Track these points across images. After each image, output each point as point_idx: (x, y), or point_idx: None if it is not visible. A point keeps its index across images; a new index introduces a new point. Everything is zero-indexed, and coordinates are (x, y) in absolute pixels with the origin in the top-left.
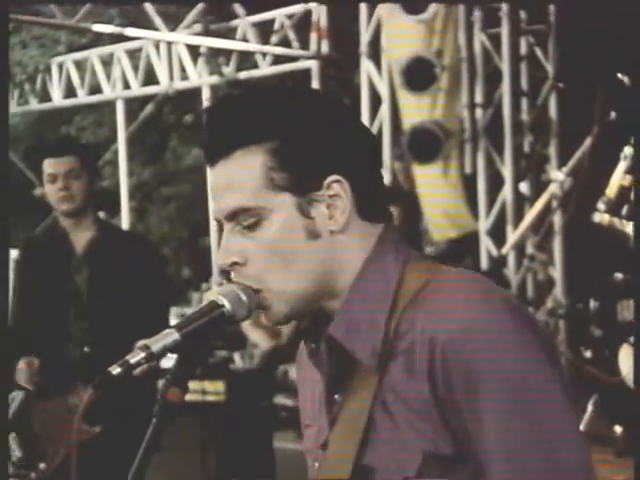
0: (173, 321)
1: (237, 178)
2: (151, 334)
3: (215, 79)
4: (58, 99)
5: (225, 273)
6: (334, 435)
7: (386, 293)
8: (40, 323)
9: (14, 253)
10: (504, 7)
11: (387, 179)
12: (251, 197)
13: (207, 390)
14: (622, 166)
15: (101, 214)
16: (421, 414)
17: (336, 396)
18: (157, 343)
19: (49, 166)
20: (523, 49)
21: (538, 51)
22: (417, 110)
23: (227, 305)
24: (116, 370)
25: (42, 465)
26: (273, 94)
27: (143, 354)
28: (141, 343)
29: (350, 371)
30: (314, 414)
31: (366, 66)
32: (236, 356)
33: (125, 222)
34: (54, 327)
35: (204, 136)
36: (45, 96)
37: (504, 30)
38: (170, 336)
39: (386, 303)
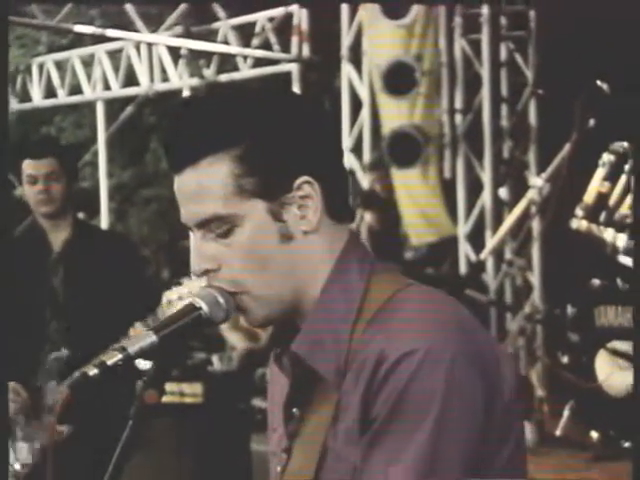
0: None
1: (206, 186)
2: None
3: (196, 81)
4: (38, 99)
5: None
6: (295, 452)
7: (349, 310)
8: (18, 323)
9: None
10: (484, 13)
11: (366, 184)
12: (222, 205)
13: (185, 392)
14: (600, 173)
15: (80, 215)
16: (353, 425)
17: (294, 409)
18: (134, 345)
19: (29, 167)
20: (503, 55)
21: (518, 57)
22: (396, 114)
23: (205, 308)
24: (92, 371)
25: (17, 465)
26: (236, 98)
27: (120, 355)
28: (117, 344)
29: (310, 385)
30: (280, 418)
31: (347, 70)
32: (214, 358)
33: (104, 223)
34: (31, 328)
35: (168, 143)
36: (25, 96)
37: (484, 36)
38: (147, 338)
39: (349, 321)
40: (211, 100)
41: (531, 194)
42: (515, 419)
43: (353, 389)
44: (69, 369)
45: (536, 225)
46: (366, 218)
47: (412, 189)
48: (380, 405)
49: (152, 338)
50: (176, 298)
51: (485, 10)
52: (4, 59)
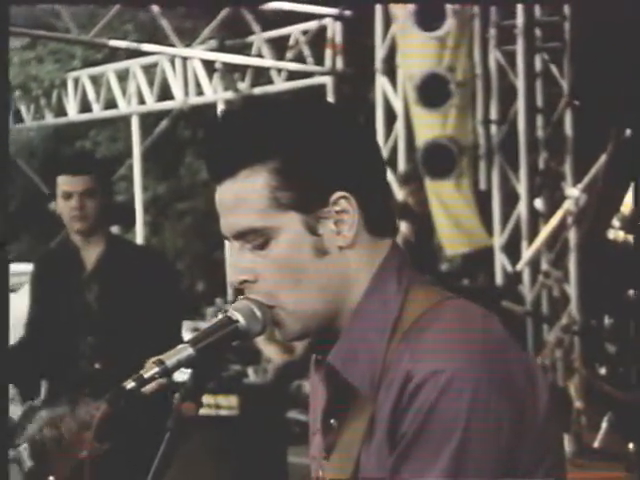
0: (186, 335)
1: (243, 198)
2: (163, 349)
3: (230, 94)
4: (73, 114)
5: (236, 290)
6: (331, 464)
7: (385, 324)
8: (51, 338)
9: (30, 267)
10: (519, 24)
11: (399, 196)
12: (258, 218)
13: (220, 404)
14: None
15: (115, 229)
16: (383, 441)
17: (332, 421)
18: (171, 358)
19: (64, 183)
20: (538, 66)
21: (553, 68)
22: (430, 126)
23: (241, 320)
24: (130, 385)
25: (51, 478)
26: (274, 110)
27: (157, 369)
28: (155, 358)
29: (347, 397)
30: (319, 426)
31: (381, 82)
32: (250, 370)
33: (139, 237)
34: (65, 343)
35: (208, 154)
36: (61, 111)
37: (519, 47)
38: (185, 351)
39: (385, 334)
40: (249, 112)
41: (567, 205)
42: (552, 437)
43: (384, 405)
44: (102, 385)
45: (572, 236)
46: (400, 230)
47: (446, 200)
48: (406, 425)
49: (189, 351)
50: None
51: (520, 21)
52: (4, 57)
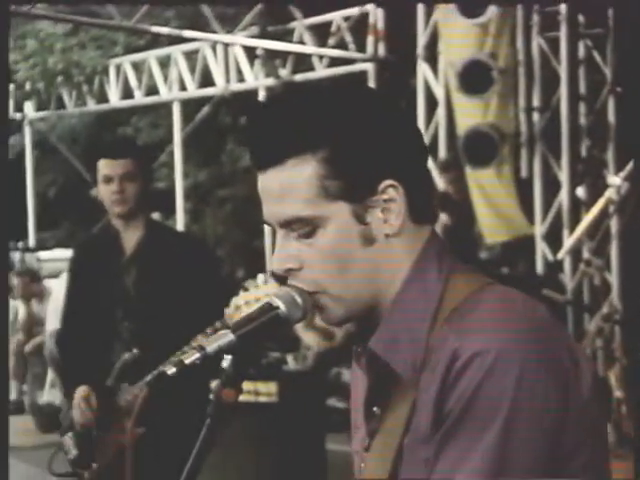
0: None
1: (291, 187)
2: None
3: (271, 81)
4: (115, 100)
5: (279, 278)
6: (373, 451)
7: (426, 309)
8: (89, 323)
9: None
10: (562, 11)
11: (439, 184)
12: (306, 207)
13: (260, 391)
14: None
15: (156, 216)
16: (428, 423)
17: (374, 408)
18: (212, 344)
19: (105, 167)
20: (581, 53)
21: (596, 55)
22: (471, 113)
23: (282, 307)
24: (171, 370)
25: (95, 465)
26: (322, 98)
27: (198, 354)
28: (196, 343)
29: (389, 384)
30: (361, 417)
31: (422, 69)
32: (289, 357)
33: (180, 223)
34: (102, 327)
35: (252, 141)
36: (102, 97)
37: (562, 34)
38: (225, 337)
39: (426, 319)
40: (295, 99)
41: (609, 193)
42: (594, 421)
43: (428, 388)
44: (140, 370)
45: (614, 224)
46: (440, 218)
47: (487, 188)
48: (452, 403)
49: (230, 337)
50: (243, 303)
51: (563, 8)
52: (4, 56)
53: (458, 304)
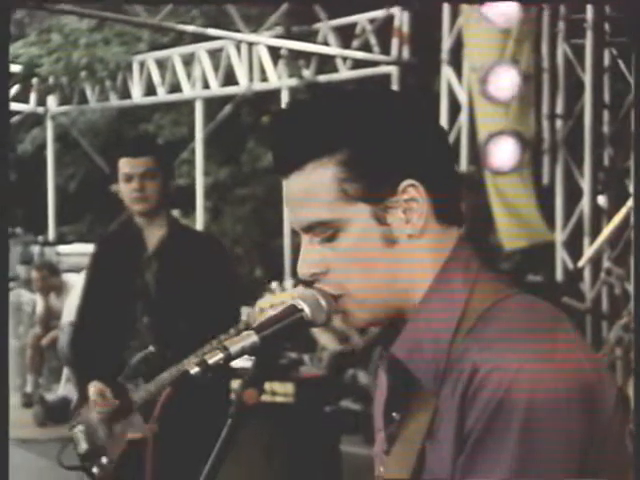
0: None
1: (311, 191)
2: (220, 334)
3: (294, 81)
4: (138, 96)
5: (306, 283)
6: (392, 457)
7: (451, 317)
8: (107, 317)
9: (90, 248)
10: (589, 19)
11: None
12: (326, 210)
13: (276, 391)
14: None
15: (176, 213)
16: (450, 434)
17: (394, 414)
18: (236, 344)
19: (125, 165)
20: (606, 61)
21: (621, 63)
22: (493, 118)
23: (307, 310)
24: (194, 370)
25: (104, 459)
26: (339, 101)
27: (221, 354)
28: (219, 343)
29: (410, 390)
30: (381, 421)
31: (446, 73)
32: (306, 358)
33: (199, 221)
34: (120, 322)
35: (273, 149)
36: (125, 93)
37: (588, 41)
38: (249, 338)
39: (450, 327)
40: (314, 103)
41: (631, 202)
42: (617, 434)
43: (451, 398)
44: (155, 367)
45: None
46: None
47: (507, 194)
48: (473, 418)
49: (254, 338)
50: (269, 307)
51: (589, 15)
52: (4, 55)
53: (482, 313)
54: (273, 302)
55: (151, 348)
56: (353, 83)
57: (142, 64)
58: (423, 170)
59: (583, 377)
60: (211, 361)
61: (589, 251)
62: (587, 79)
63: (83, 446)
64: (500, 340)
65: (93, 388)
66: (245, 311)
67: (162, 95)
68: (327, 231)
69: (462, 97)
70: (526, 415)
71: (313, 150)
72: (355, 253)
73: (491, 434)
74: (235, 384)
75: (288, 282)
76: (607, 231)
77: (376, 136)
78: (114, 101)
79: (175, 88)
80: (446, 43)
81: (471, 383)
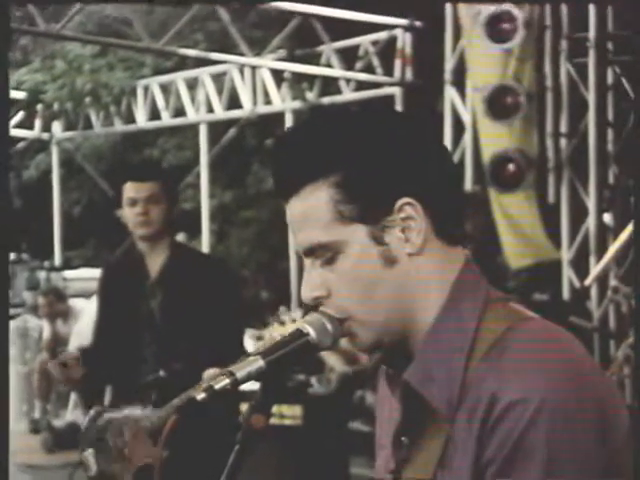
0: (249, 343)
1: (308, 214)
2: (224, 358)
3: (298, 104)
4: (142, 121)
5: (309, 307)
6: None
7: (463, 343)
8: (115, 345)
9: (96, 272)
10: (591, 37)
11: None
12: (323, 233)
13: (285, 414)
14: None
15: (182, 236)
16: (466, 463)
17: (403, 438)
18: (242, 370)
19: (130, 190)
20: (610, 79)
21: (625, 82)
22: (496, 138)
23: (312, 333)
24: (201, 395)
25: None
26: (332, 123)
27: (228, 380)
28: (226, 369)
29: (422, 416)
30: (387, 438)
31: (450, 93)
32: (314, 380)
33: (205, 244)
34: (129, 350)
35: (274, 174)
36: (130, 118)
37: (591, 60)
38: (255, 363)
39: (462, 353)
40: (308, 127)
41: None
42: (628, 458)
43: (467, 427)
44: (165, 392)
45: None
46: None
47: (512, 213)
48: (492, 452)
49: (260, 363)
50: (278, 337)
51: (592, 34)
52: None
53: (496, 340)
54: (283, 333)
55: (161, 373)
56: (356, 105)
57: (146, 89)
58: (419, 187)
59: (602, 407)
60: (217, 386)
61: (595, 269)
62: (590, 97)
63: (94, 469)
64: (519, 371)
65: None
66: (250, 333)
67: (166, 119)
68: (327, 254)
69: (466, 117)
70: (548, 446)
71: (308, 174)
72: (355, 274)
73: (514, 466)
74: (244, 407)
75: (297, 313)
76: (613, 249)
77: (369, 156)
78: (119, 126)
79: (179, 112)
80: (449, 64)
81: (491, 413)
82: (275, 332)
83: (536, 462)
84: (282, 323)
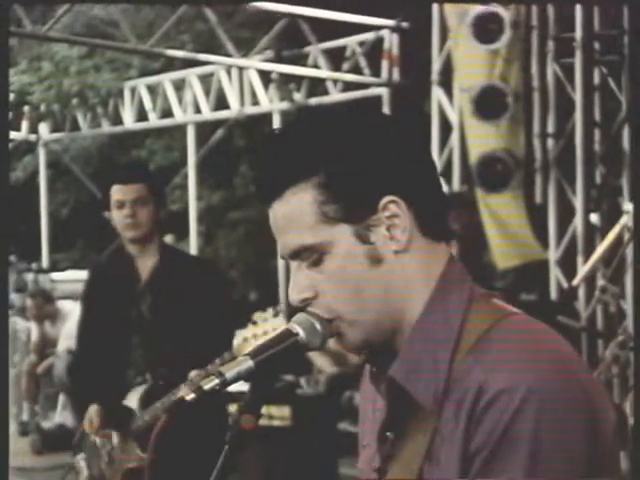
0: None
1: (292, 217)
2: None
3: (286, 105)
4: (130, 122)
5: (297, 310)
6: (390, 476)
7: (448, 337)
8: (103, 348)
9: (84, 274)
10: (578, 37)
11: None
12: (309, 234)
13: (273, 415)
14: None
15: (169, 238)
16: (453, 456)
17: (388, 433)
18: (231, 370)
19: (117, 192)
20: (596, 79)
21: (611, 82)
22: (483, 139)
23: (302, 334)
24: (190, 396)
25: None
26: (313, 125)
27: (217, 380)
28: (215, 369)
29: (407, 411)
30: (371, 436)
31: (437, 94)
32: (302, 381)
33: (193, 246)
34: (116, 353)
35: (255, 179)
36: (117, 119)
37: (577, 60)
38: (244, 363)
39: (448, 347)
40: (288, 130)
41: (624, 220)
42: (615, 453)
43: (454, 419)
44: (153, 395)
45: (630, 252)
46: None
47: (500, 213)
48: (479, 442)
49: (249, 363)
50: (251, 336)
51: (578, 34)
52: (4, 54)
53: (482, 334)
54: (255, 332)
55: (147, 377)
56: (342, 105)
57: (133, 90)
58: (403, 185)
59: (589, 397)
60: (207, 387)
61: (583, 269)
62: (577, 97)
63: (85, 473)
64: (505, 361)
65: (91, 410)
66: (241, 334)
67: (154, 120)
68: (313, 255)
69: (453, 118)
70: (535, 435)
71: (288, 177)
72: (342, 274)
73: (500, 455)
74: (232, 408)
75: (269, 312)
76: (601, 249)
77: (350, 156)
78: (106, 127)
79: (166, 113)
80: (436, 64)
81: (477, 404)
82: (248, 332)
83: (522, 451)
84: (254, 323)
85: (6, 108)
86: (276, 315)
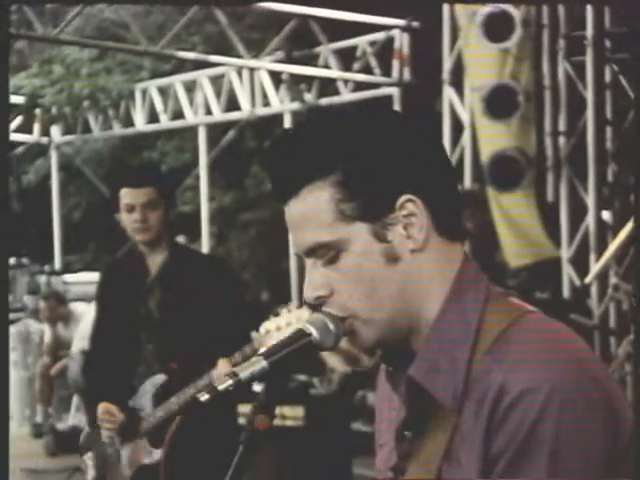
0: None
1: (309, 215)
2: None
3: (297, 105)
4: (141, 124)
5: (312, 307)
6: (409, 475)
7: (466, 337)
8: (116, 346)
9: (96, 276)
10: (589, 35)
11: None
12: (325, 232)
13: (286, 415)
14: None
15: (181, 239)
16: (474, 455)
17: (406, 432)
18: (245, 370)
19: (127, 196)
20: (607, 77)
21: (622, 79)
22: (495, 138)
23: (315, 333)
24: (204, 397)
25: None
26: (330, 123)
27: (231, 381)
28: (229, 370)
29: (426, 410)
30: (388, 435)
31: (448, 93)
32: (315, 381)
33: (205, 247)
34: (127, 349)
35: (271, 177)
36: (128, 121)
37: (588, 58)
38: (258, 363)
39: (466, 347)
40: (305, 128)
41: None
42: (631, 452)
43: (473, 419)
44: (165, 393)
45: None
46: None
47: (511, 212)
48: (502, 443)
49: (263, 364)
50: (274, 329)
51: (589, 32)
52: (4, 56)
53: (500, 333)
54: (279, 323)
55: (160, 375)
56: (354, 105)
57: (144, 92)
58: (420, 184)
59: (607, 395)
60: (221, 387)
61: (596, 267)
62: (589, 96)
63: (92, 473)
64: (525, 361)
65: (101, 407)
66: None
67: (165, 122)
68: (329, 253)
69: (464, 117)
70: (557, 436)
71: (305, 175)
72: (358, 273)
73: (524, 456)
74: (243, 408)
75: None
76: (613, 247)
77: (369, 154)
78: (117, 130)
79: (178, 115)
80: (447, 64)
81: (499, 404)
82: (270, 324)
83: (545, 451)
84: (277, 314)
85: (6, 108)
86: (299, 306)
